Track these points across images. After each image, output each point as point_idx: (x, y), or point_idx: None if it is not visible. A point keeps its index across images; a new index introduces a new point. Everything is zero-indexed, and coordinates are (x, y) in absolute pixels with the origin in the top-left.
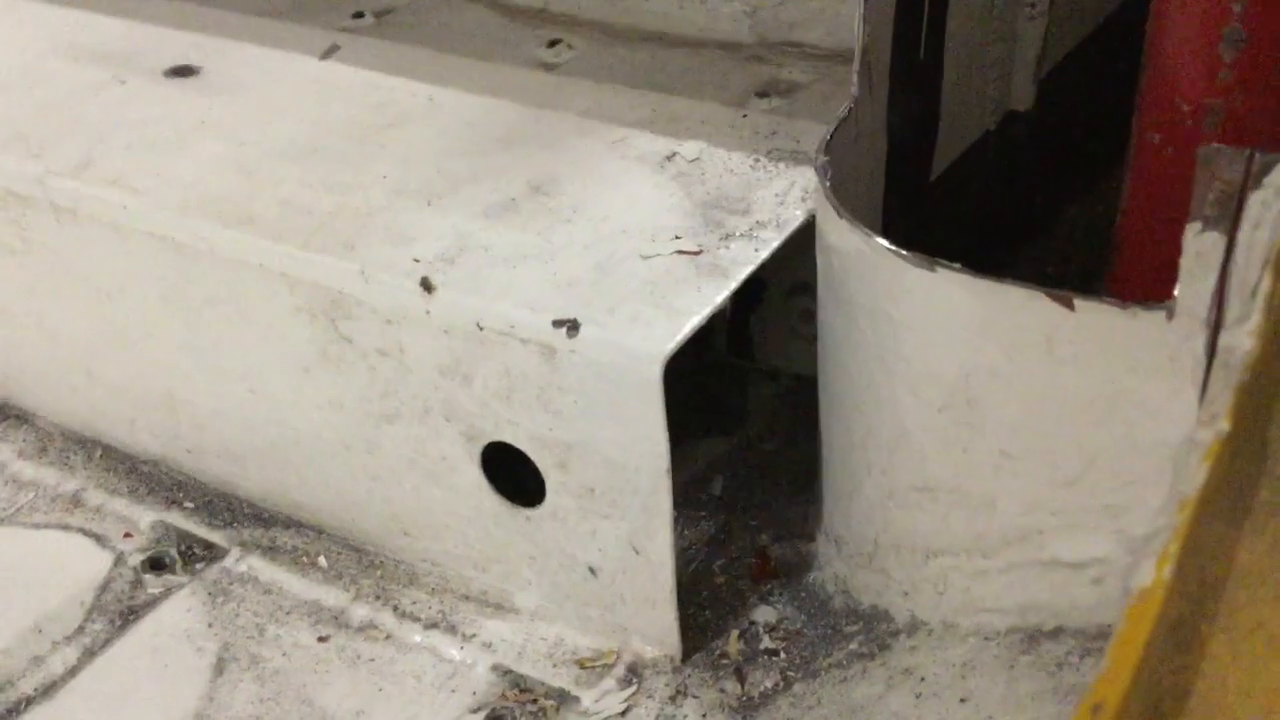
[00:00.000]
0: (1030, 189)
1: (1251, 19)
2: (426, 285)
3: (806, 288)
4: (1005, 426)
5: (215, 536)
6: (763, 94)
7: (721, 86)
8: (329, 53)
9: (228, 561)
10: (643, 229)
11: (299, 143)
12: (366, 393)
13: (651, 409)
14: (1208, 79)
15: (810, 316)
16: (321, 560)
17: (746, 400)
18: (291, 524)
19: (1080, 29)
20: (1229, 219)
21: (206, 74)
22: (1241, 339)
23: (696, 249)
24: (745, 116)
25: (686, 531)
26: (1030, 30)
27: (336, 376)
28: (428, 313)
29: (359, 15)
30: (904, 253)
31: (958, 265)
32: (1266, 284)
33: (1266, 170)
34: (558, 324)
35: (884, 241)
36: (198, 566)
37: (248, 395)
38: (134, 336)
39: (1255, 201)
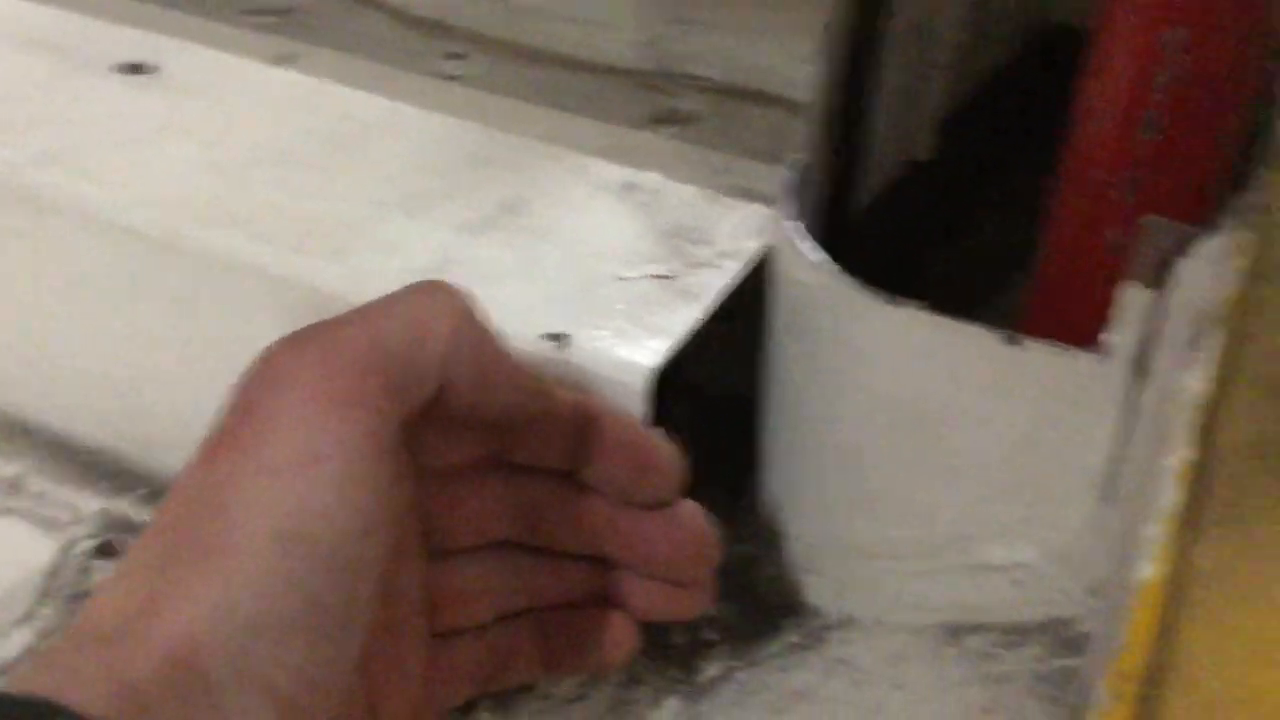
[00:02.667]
0: (928, 230)
1: (1168, 106)
2: None
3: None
4: (950, 446)
5: None
6: (661, 122)
7: (624, 112)
8: (284, 60)
9: None
10: (614, 252)
11: (268, 149)
12: None
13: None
14: (1126, 154)
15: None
16: None
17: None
18: None
19: (970, 86)
20: (1160, 281)
21: (162, 73)
22: (1193, 382)
23: (668, 274)
24: (697, 152)
25: None
26: (937, 89)
27: None
28: None
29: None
30: (870, 289)
31: (919, 302)
32: (1216, 337)
33: (1194, 241)
34: (548, 337)
35: (851, 279)
36: None
37: (213, 389)
38: (95, 328)
39: (1183, 267)
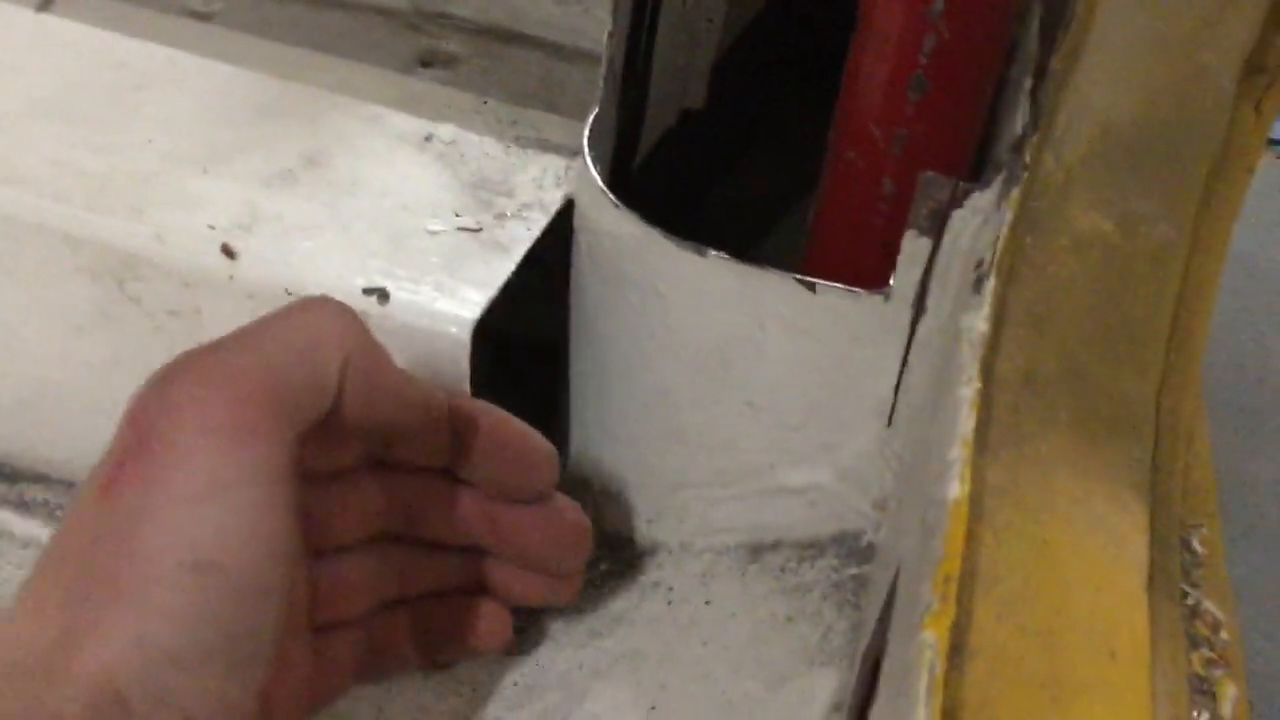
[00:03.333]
0: (698, 176)
1: (932, 69)
2: (228, 252)
3: None
4: (751, 383)
5: None
6: (426, 64)
7: (389, 53)
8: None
9: None
10: (422, 205)
11: (44, 101)
12: (150, 351)
13: (460, 371)
14: (897, 112)
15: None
16: None
17: None
18: (40, 479)
19: (733, 37)
20: (936, 229)
21: None
22: (978, 322)
23: (476, 226)
24: (486, 103)
25: None
26: (708, 40)
27: (115, 335)
28: (231, 278)
29: None
30: (678, 239)
31: (723, 253)
32: (994, 283)
33: (967, 195)
34: (367, 291)
35: (659, 230)
36: None
37: (1, 352)
38: None
39: (957, 217)
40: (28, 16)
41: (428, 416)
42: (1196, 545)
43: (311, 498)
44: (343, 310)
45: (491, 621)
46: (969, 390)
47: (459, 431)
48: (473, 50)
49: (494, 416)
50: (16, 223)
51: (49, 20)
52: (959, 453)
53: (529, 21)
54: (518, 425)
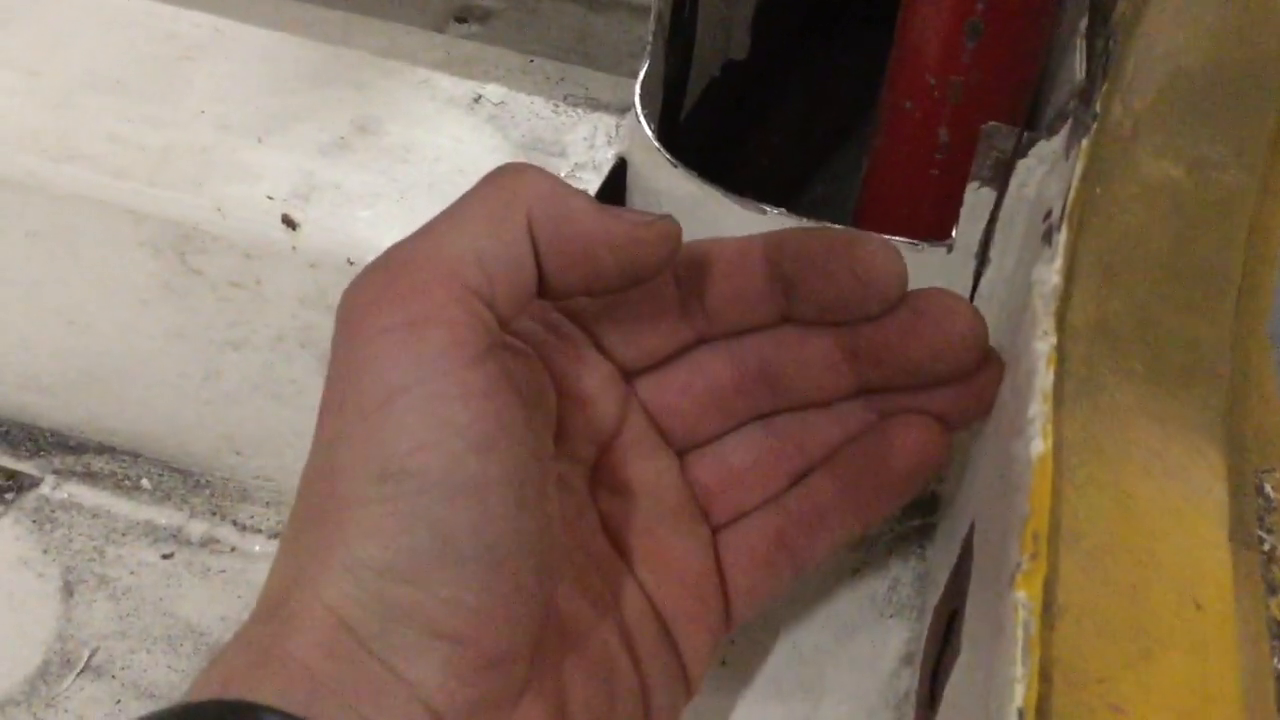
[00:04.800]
0: (743, 122)
1: (988, 15)
2: (289, 222)
3: None
4: None
5: (23, 466)
6: (461, 19)
7: (422, 9)
8: None
9: (44, 490)
10: (477, 169)
11: (96, 76)
12: (213, 322)
13: None
14: (953, 60)
15: None
16: (144, 482)
17: None
18: (105, 450)
19: None
20: (1001, 180)
21: None
22: (1051, 275)
23: None
24: (532, 62)
25: None
26: None
27: (179, 307)
28: (293, 248)
29: None
30: (738, 198)
31: (782, 209)
32: (1065, 234)
33: (1032, 144)
34: None
35: (717, 188)
36: (8, 497)
37: (66, 327)
38: None
39: (1022, 167)
40: None
41: (666, 250)
42: (1269, 490)
43: (654, 392)
44: (522, 168)
45: (916, 436)
46: (1045, 345)
47: (777, 270)
48: (507, 3)
49: (803, 236)
50: (78, 199)
51: None
52: (1039, 408)
53: None
54: (835, 231)
